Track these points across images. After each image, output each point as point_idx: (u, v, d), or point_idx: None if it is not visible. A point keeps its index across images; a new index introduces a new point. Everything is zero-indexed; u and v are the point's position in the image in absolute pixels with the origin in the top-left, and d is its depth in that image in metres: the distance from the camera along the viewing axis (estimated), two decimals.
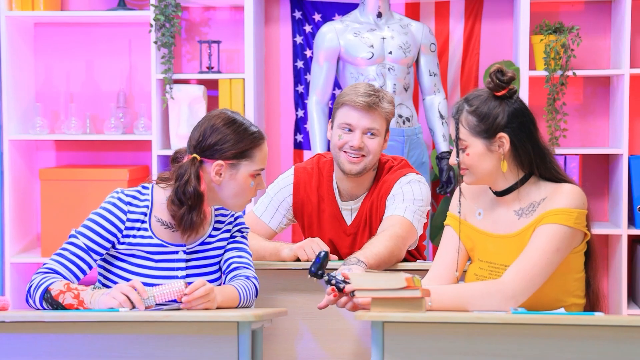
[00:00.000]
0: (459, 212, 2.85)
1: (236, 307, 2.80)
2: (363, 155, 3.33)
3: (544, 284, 2.64)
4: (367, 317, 2.40)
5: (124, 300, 2.58)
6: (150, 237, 2.83)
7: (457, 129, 2.73)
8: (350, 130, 3.34)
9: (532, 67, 4.66)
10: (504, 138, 2.70)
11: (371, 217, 3.38)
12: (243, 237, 2.98)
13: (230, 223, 2.97)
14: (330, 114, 4.85)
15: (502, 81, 2.70)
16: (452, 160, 2.77)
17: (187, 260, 2.86)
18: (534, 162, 2.73)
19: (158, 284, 2.70)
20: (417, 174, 3.40)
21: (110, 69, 5.02)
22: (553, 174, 2.75)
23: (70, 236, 2.81)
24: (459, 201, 2.85)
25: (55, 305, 2.68)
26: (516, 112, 2.72)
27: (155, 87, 4.70)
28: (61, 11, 4.85)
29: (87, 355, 2.47)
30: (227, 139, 2.82)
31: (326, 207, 3.44)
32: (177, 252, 2.85)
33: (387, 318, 2.39)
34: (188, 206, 2.79)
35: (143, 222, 2.84)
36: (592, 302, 2.77)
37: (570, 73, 4.58)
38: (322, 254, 2.72)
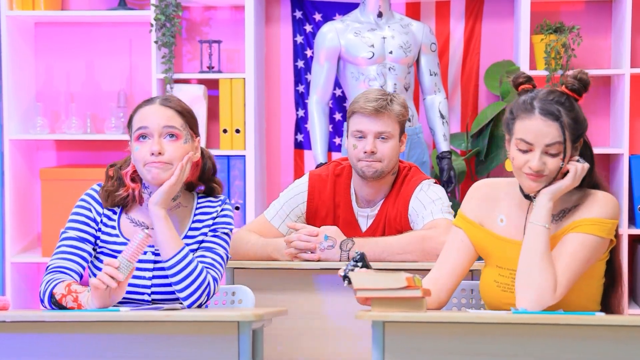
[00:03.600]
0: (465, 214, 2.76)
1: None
2: (379, 161, 3.35)
3: (572, 291, 2.58)
4: (367, 317, 2.40)
5: (98, 283, 2.53)
6: (116, 235, 2.83)
7: (564, 134, 2.61)
8: (362, 136, 3.36)
9: (532, 66, 4.65)
10: (580, 142, 2.69)
11: (387, 226, 3.39)
12: (215, 236, 2.86)
13: (208, 226, 2.87)
14: (331, 114, 4.86)
15: (586, 83, 2.71)
16: (539, 165, 2.57)
17: (155, 262, 2.81)
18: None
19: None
20: (428, 178, 3.43)
21: (111, 68, 5.02)
22: (591, 178, 2.71)
23: (61, 233, 2.83)
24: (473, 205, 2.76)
25: (62, 309, 2.68)
26: None
27: (155, 87, 4.70)
28: (61, 11, 4.85)
29: (87, 355, 2.47)
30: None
31: (342, 214, 3.45)
32: (145, 253, 2.80)
33: (388, 318, 2.39)
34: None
35: (112, 219, 2.84)
36: (609, 306, 2.73)
37: (570, 73, 4.57)
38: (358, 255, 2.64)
